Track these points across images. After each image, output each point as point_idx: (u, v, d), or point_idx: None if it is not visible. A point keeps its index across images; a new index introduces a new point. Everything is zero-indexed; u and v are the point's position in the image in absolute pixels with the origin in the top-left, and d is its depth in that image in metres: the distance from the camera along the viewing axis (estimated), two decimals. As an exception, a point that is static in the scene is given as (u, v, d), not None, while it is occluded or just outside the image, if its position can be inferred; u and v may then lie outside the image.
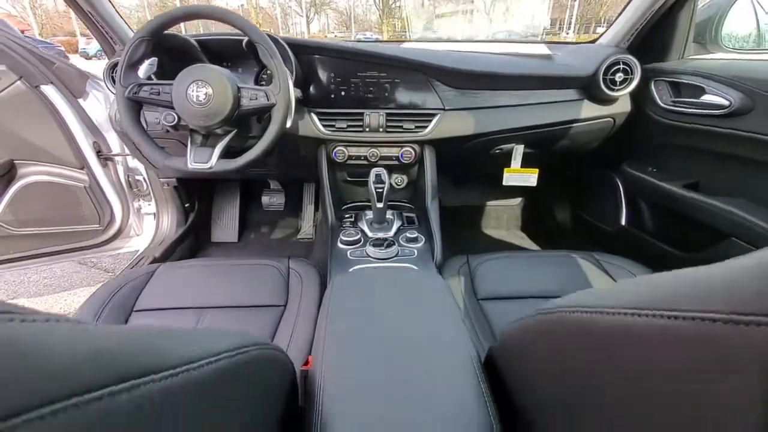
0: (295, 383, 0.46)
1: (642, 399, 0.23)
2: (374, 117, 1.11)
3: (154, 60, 0.97)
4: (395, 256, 0.91)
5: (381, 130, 1.12)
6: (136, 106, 0.93)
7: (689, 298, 0.21)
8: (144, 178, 1.47)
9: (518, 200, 1.83)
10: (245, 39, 0.95)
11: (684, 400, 0.20)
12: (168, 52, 1.01)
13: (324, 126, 1.12)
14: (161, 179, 1.46)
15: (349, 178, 1.24)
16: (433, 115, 1.12)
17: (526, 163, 1.28)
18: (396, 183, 1.23)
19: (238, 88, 0.90)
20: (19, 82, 1.17)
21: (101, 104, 1.32)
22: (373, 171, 0.96)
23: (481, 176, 1.69)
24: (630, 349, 0.24)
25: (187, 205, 1.60)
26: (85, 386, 0.16)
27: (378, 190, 0.95)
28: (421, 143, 1.15)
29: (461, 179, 1.79)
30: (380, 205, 0.96)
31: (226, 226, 1.77)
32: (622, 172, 1.29)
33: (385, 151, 1.15)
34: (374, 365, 0.43)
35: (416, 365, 0.43)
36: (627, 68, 1.10)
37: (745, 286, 0.19)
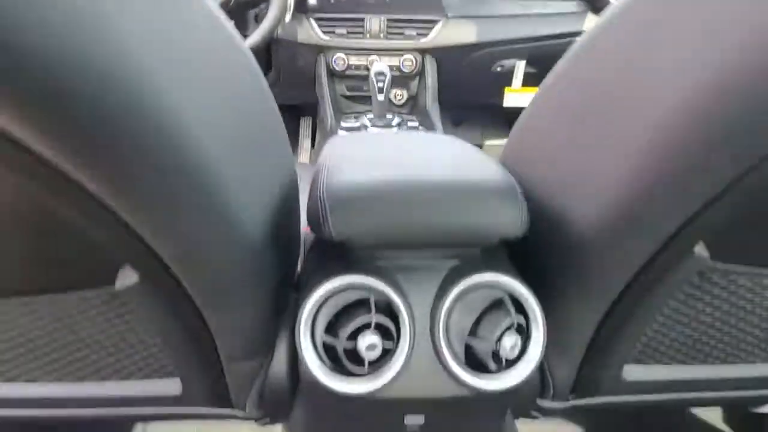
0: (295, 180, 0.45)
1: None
2: (375, 22, 1.08)
3: None
4: None
5: (382, 36, 1.09)
6: None
7: None
8: None
9: None
10: None
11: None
12: None
13: (323, 32, 1.09)
14: None
15: (348, 93, 1.22)
16: (436, 21, 1.09)
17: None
18: (396, 98, 1.21)
19: None
20: None
21: None
22: (375, 65, 0.94)
23: (481, 114, 1.68)
24: None
25: None
26: None
27: (379, 83, 0.93)
28: (423, 52, 1.13)
29: (460, 117, 1.77)
30: (381, 97, 0.94)
31: None
32: None
33: (386, 60, 1.13)
34: (383, 149, 0.42)
35: (430, 149, 0.43)
36: (631, -25, 1.08)
37: None
